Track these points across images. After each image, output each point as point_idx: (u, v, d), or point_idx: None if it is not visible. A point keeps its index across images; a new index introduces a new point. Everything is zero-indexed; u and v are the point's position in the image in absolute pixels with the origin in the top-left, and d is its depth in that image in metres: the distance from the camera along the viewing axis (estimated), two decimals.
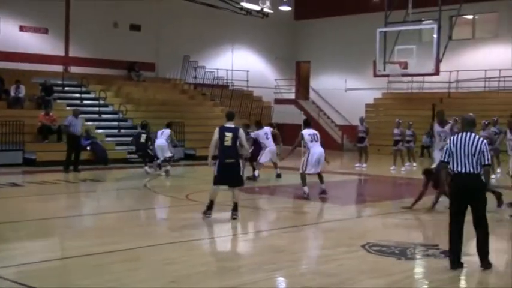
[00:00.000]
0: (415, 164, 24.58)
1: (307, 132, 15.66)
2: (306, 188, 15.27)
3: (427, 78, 32.83)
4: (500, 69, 31.93)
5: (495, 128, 21.96)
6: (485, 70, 32.36)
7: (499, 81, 32.36)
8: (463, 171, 8.42)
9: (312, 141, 15.43)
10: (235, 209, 11.99)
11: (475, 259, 8.63)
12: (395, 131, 24.37)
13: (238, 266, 8.87)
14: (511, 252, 10.02)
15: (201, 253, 9.75)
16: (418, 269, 9.01)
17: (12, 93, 24.89)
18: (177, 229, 11.55)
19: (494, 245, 8.96)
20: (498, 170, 21.50)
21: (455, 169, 8.49)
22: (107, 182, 19.94)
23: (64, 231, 11.23)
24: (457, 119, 24.90)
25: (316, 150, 15.34)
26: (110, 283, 7.72)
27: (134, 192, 16.76)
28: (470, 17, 33.86)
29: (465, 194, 8.48)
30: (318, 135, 15.74)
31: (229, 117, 12.26)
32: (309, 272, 8.52)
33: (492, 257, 8.58)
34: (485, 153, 8.43)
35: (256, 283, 7.91)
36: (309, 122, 16.64)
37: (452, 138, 8.71)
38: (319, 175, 15.57)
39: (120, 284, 7.71)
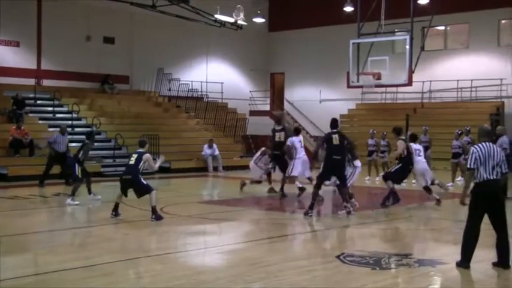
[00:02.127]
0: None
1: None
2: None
3: (400, 89, 33.15)
4: (472, 80, 32.31)
5: (467, 137, 22.24)
6: (458, 80, 32.76)
7: (471, 91, 32.75)
8: (491, 177, 9.04)
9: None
10: (152, 211, 13.40)
11: (450, 266, 8.67)
12: (370, 141, 24.51)
13: (215, 278, 8.85)
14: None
15: (177, 266, 9.70)
16: (393, 279, 9.05)
17: None
18: (152, 242, 11.50)
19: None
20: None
21: (483, 176, 9.07)
22: (80, 196, 19.75)
23: (37, 246, 11.12)
24: (427, 128, 25.27)
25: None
26: None
27: (108, 206, 16.64)
28: (442, 28, 34.25)
29: (492, 199, 9.13)
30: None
31: (141, 144, 14.11)
32: (284, 283, 8.52)
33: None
34: (505, 163, 9.27)
35: None
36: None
37: (478, 147, 9.22)
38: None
39: None
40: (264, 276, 8.84)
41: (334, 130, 14.99)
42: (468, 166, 9.24)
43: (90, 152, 17.78)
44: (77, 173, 16.75)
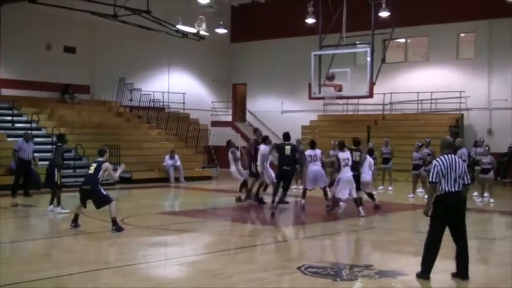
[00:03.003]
0: None
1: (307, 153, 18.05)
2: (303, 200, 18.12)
3: (361, 101, 33.40)
4: (432, 92, 32.69)
5: (427, 149, 22.49)
6: (418, 92, 33.11)
7: (431, 103, 33.12)
8: (453, 190, 9.13)
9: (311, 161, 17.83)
10: (112, 223, 13.29)
11: (410, 277, 8.73)
12: (332, 152, 24.62)
13: None
14: None
15: (137, 278, 9.59)
16: None
17: None
18: (111, 254, 11.37)
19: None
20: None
21: (445, 188, 9.16)
22: (39, 207, 19.47)
23: None
24: (388, 140, 25.52)
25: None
26: None
27: (67, 217, 16.43)
28: (403, 40, 34.63)
29: (453, 211, 9.23)
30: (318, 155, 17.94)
31: (100, 153, 13.97)
32: None
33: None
34: (467, 174, 9.36)
35: None
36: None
37: (440, 160, 9.29)
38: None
39: None
40: (226, 286, 8.81)
41: (287, 142, 17.07)
42: (430, 180, 9.31)
43: None
44: (56, 179, 16.64)
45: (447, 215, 9.21)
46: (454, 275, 9.34)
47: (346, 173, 16.57)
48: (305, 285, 9.03)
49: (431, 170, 9.30)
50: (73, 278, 9.17)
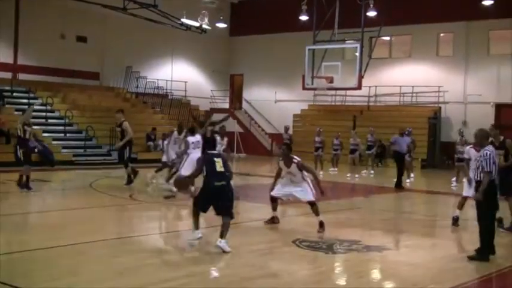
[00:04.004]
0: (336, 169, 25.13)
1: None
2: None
3: (348, 92, 33.47)
4: (413, 86, 32.79)
5: (409, 137, 22.59)
6: (400, 86, 33.20)
7: (411, 96, 33.22)
8: (494, 177, 9.16)
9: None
10: None
11: (394, 252, 8.84)
12: (316, 138, 24.78)
13: (181, 259, 8.86)
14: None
15: (146, 248, 9.66)
16: (344, 262, 9.19)
17: None
18: (121, 226, 11.45)
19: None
20: (412, 175, 22.20)
21: (494, 176, 9.14)
22: (54, 183, 19.55)
23: (12, 227, 10.95)
24: (373, 129, 25.64)
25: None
26: (59, 274, 7.62)
27: (79, 192, 16.51)
28: (388, 38, 34.65)
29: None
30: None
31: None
32: (242, 265, 8.54)
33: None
34: None
35: (201, 274, 7.98)
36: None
37: (489, 150, 9.22)
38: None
39: (71, 275, 7.60)
40: (226, 258, 8.88)
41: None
42: (489, 169, 9.08)
43: None
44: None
45: (496, 198, 9.32)
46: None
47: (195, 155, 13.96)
48: (300, 257, 9.13)
49: (488, 160, 9.08)
50: (84, 246, 9.19)
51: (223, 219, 9.27)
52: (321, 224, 11.02)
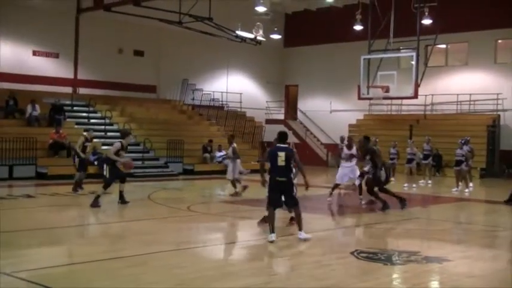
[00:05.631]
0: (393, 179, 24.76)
1: None
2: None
3: (404, 101, 33.08)
4: (470, 94, 32.20)
5: (467, 146, 22.16)
6: (457, 94, 32.63)
7: (469, 104, 32.61)
8: None
9: None
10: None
11: (454, 263, 8.64)
12: (392, 150, 24.60)
13: (240, 270, 8.86)
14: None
15: (205, 259, 9.71)
16: (403, 273, 9.03)
17: (29, 112, 24.97)
18: (180, 237, 11.53)
19: None
20: (471, 184, 21.74)
21: None
22: (113, 194, 19.82)
23: (74, 239, 11.18)
24: (429, 138, 25.22)
25: None
26: (120, 285, 7.71)
27: (138, 203, 16.71)
28: (444, 46, 34.13)
29: None
30: None
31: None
32: (301, 276, 8.49)
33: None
34: None
35: (261, 285, 7.92)
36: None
37: None
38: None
39: (131, 286, 7.68)
40: (287, 270, 8.85)
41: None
42: None
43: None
44: None
45: None
46: None
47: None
48: (359, 268, 9.02)
49: None
50: (144, 257, 9.26)
51: (295, 211, 10.67)
52: None
